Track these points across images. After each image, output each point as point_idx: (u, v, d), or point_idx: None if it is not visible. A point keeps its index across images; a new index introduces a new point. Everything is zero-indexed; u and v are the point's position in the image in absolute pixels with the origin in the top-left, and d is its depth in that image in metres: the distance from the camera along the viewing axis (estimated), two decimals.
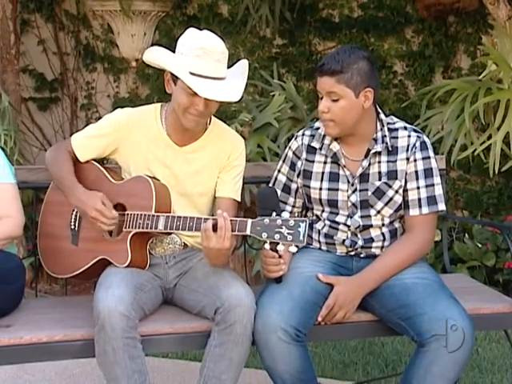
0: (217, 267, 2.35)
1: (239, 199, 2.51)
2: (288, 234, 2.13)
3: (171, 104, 2.42)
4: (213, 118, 2.50)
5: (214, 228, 2.19)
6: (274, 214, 2.15)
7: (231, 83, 2.33)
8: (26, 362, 2.37)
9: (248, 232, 2.17)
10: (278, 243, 2.16)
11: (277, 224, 2.14)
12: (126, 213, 2.37)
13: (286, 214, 2.16)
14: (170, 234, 2.43)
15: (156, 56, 2.37)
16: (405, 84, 4.87)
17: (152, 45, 4.51)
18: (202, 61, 2.27)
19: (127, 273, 2.33)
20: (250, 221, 2.17)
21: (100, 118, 2.61)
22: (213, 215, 2.42)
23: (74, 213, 2.49)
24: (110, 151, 2.48)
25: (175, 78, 2.33)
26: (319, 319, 2.33)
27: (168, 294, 2.48)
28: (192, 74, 2.27)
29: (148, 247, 2.43)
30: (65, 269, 2.51)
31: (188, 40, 2.32)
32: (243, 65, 2.43)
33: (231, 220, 2.20)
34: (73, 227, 2.49)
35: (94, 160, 2.51)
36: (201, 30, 2.38)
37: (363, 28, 4.84)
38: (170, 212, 2.37)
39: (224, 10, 4.97)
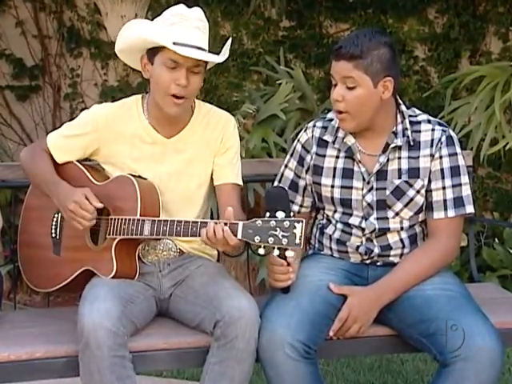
0: (204, 278, 2.41)
1: (241, 182, 2.54)
2: (283, 236, 2.13)
3: (152, 92, 2.44)
4: (196, 101, 2.53)
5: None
6: (277, 214, 2.16)
7: (210, 54, 2.38)
8: (3, 383, 2.38)
9: (239, 236, 2.17)
10: (285, 249, 2.17)
11: (270, 226, 2.14)
12: (110, 217, 2.38)
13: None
14: (159, 240, 2.45)
15: (137, 30, 2.39)
16: (427, 71, 4.87)
17: None
18: (182, 29, 2.32)
19: (115, 284, 2.33)
20: (241, 223, 2.18)
21: (86, 108, 2.62)
22: (218, 215, 2.42)
23: (55, 219, 2.50)
24: (90, 152, 2.50)
25: (152, 56, 2.37)
26: (331, 334, 2.34)
27: (162, 306, 2.49)
28: (175, 43, 2.31)
29: (139, 254, 2.44)
30: (47, 281, 2.52)
31: (164, 13, 2.39)
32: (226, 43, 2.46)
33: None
34: (54, 235, 2.50)
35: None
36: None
37: (380, 8, 4.84)
38: (158, 214, 2.38)
39: None
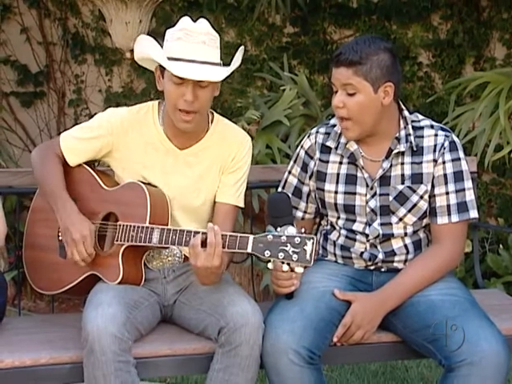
0: (206, 285, 2.35)
1: (241, 204, 2.53)
2: (293, 252, 2.14)
3: (165, 104, 2.44)
4: (215, 115, 2.52)
5: (204, 244, 2.21)
6: (288, 229, 2.16)
7: (220, 67, 2.35)
8: None
9: (249, 250, 2.19)
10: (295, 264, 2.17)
11: (281, 241, 2.15)
12: (118, 224, 2.38)
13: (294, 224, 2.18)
14: (167, 247, 2.45)
15: (140, 47, 2.41)
16: (431, 77, 4.87)
17: (148, 34, 4.54)
18: (185, 43, 2.31)
19: (120, 289, 2.34)
20: (251, 237, 2.19)
21: (90, 114, 2.63)
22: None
23: None
24: (102, 154, 2.50)
25: (163, 70, 2.37)
26: (334, 339, 2.35)
27: (167, 312, 2.49)
28: (173, 58, 2.30)
29: (144, 260, 2.45)
30: (52, 284, 2.53)
31: (174, 26, 2.37)
32: (238, 51, 2.43)
33: (230, 236, 2.21)
34: (61, 238, 2.50)
35: (85, 162, 2.53)
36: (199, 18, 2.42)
37: (384, 14, 4.85)
38: (167, 222, 2.39)
39: None
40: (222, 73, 2.34)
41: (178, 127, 2.40)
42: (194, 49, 2.31)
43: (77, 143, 2.50)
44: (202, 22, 2.37)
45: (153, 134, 2.47)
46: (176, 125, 2.39)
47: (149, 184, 2.43)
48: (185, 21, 2.36)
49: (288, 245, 2.14)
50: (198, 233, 2.25)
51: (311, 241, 2.13)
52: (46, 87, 5.21)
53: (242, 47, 2.43)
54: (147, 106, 2.51)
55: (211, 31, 2.35)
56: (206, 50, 2.33)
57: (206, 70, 2.31)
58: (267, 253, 2.16)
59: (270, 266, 2.20)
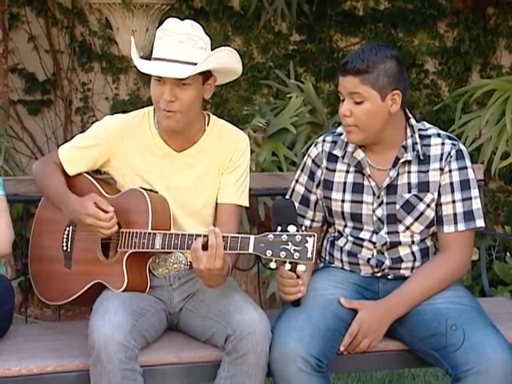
0: (212, 287, 2.34)
1: (245, 203, 2.52)
2: (295, 250, 2.14)
3: None
4: (212, 116, 2.53)
5: (205, 246, 2.21)
6: (289, 228, 2.16)
7: (192, 66, 2.31)
8: None
9: (251, 250, 2.19)
10: (297, 263, 2.17)
11: (282, 240, 2.15)
12: (121, 231, 2.39)
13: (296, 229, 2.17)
14: (170, 252, 2.45)
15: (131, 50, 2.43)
16: (437, 84, 4.87)
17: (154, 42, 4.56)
18: (163, 42, 2.33)
19: (126, 297, 2.35)
20: (252, 237, 2.19)
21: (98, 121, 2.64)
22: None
23: (66, 232, 2.52)
24: (101, 163, 2.51)
25: None
26: (341, 349, 2.34)
27: (173, 320, 2.50)
28: (153, 58, 2.32)
29: (149, 267, 2.45)
30: (58, 295, 2.54)
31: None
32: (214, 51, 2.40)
33: (232, 237, 2.22)
34: (65, 248, 2.51)
35: (86, 172, 2.54)
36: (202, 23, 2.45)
37: (390, 22, 4.85)
38: (169, 228, 2.39)
39: (235, 3, 5.00)
40: (185, 70, 2.30)
41: (161, 126, 2.41)
42: (169, 48, 2.32)
43: (74, 152, 2.52)
44: (185, 22, 2.36)
45: (149, 139, 2.48)
46: (160, 122, 2.40)
47: (150, 190, 2.43)
48: (167, 21, 2.37)
49: (289, 243, 2.15)
50: (200, 236, 2.26)
51: (312, 238, 2.14)
52: (53, 95, 5.22)
53: (222, 48, 2.37)
54: (143, 111, 2.53)
55: (191, 31, 2.34)
56: (183, 48, 2.32)
57: (171, 68, 2.30)
58: (269, 252, 2.16)
59: (272, 265, 2.20)
